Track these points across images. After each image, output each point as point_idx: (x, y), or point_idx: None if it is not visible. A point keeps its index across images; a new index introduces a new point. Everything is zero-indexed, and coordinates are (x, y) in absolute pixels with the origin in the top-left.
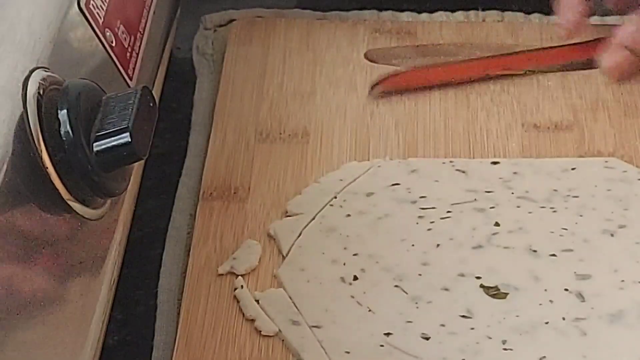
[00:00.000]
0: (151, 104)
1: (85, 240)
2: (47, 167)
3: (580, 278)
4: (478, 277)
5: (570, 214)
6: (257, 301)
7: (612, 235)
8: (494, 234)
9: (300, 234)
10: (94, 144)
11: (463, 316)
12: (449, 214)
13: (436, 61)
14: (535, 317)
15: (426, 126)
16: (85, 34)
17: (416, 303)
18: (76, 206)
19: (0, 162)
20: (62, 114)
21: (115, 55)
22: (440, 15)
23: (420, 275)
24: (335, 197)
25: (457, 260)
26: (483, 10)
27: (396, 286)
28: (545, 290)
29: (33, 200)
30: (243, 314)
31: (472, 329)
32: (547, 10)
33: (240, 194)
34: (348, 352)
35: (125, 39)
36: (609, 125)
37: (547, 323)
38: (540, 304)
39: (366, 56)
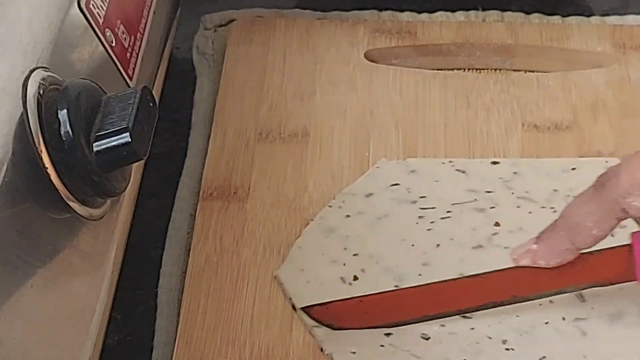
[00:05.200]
0: (151, 104)
1: (85, 240)
2: (47, 167)
3: None
4: None
5: None
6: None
7: (612, 235)
8: (494, 234)
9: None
10: (94, 144)
11: (463, 316)
12: (449, 214)
13: (436, 61)
14: (535, 317)
15: (426, 126)
16: (85, 34)
17: None
18: (76, 206)
19: (0, 162)
20: (62, 114)
21: (115, 55)
22: (440, 15)
23: (420, 275)
24: (334, 198)
25: (457, 260)
26: (483, 10)
27: (396, 286)
28: None
29: (33, 200)
30: (243, 315)
31: (472, 329)
32: (547, 10)
33: (240, 194)
34: (354, 353)
35: (125, 39)
36: (609, 125)
37: (547, 323)
38: (540, 304)
39: (366, 56)
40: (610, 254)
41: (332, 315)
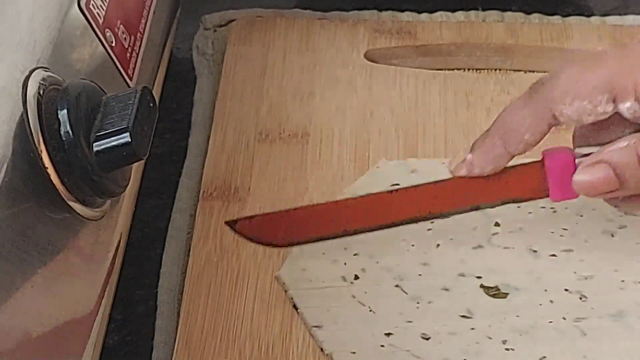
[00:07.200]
0: (151, 104)
1: (85, 240)
2: (47, 167)
3: (580, 278)
4: (478, 277)
5: (570, 214)
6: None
7: (612, 235)
8: (494, 234)
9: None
10: (94, 144)
11: (463, 316)
12: None
13: (436, 61)
14: (535, 317)
15: (426, 126)
16: (85, 34)
17: (417, 303)
18: (76, 206)
19: (0, 162)
20: (62, 114)
21: (115, 55)
22: (440, 15)
23: (420, 275)
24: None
25: (457, 260)
26: (483, 10)
27: (396, 286)
28: (546, 290)
29: (33, 200)
30: (243, 315)
31: (473, 329)
32: (547, 10)
33: (240, 194)
34: (354, 353)
35: (125, 39)
36: None
37: (547, 323)
38: (540, 304)
39: (366, 56)
40: (522, 170)
41: (256, 229)
